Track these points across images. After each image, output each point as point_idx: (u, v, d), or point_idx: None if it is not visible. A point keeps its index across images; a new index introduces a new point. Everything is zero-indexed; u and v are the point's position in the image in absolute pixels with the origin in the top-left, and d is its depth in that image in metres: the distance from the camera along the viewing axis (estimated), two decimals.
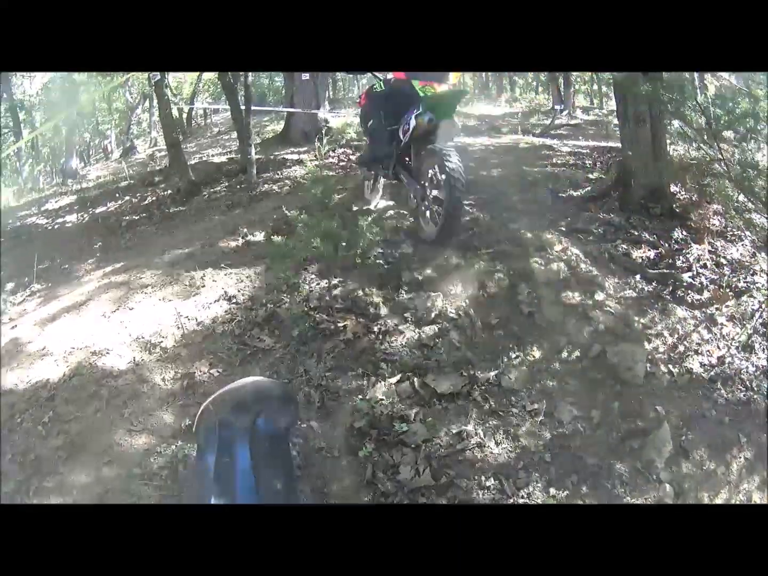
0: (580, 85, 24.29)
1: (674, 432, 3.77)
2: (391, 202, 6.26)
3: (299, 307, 4.64)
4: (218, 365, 4.20)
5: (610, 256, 5.35)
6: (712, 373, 4.23)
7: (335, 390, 4.00)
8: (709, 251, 5.46)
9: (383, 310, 4.58)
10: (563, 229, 5.75)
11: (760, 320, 4.63)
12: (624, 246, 5.56)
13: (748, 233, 5.61)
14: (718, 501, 3.52)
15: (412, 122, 5.26)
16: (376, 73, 5.76)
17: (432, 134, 5.18)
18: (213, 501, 2.22)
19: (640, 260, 5.39)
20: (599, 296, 4.75)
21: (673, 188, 6.28)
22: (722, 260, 5.36)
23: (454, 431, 3.71)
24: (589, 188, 6.95)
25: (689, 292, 4.96)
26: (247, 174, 8.85)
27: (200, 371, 4.14)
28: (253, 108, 9.39)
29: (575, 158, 8.77)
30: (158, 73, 9.09)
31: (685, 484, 3.54)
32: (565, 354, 4.27)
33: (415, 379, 4.02)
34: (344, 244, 4.36)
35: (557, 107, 17.10)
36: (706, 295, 4.94)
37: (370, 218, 4.45)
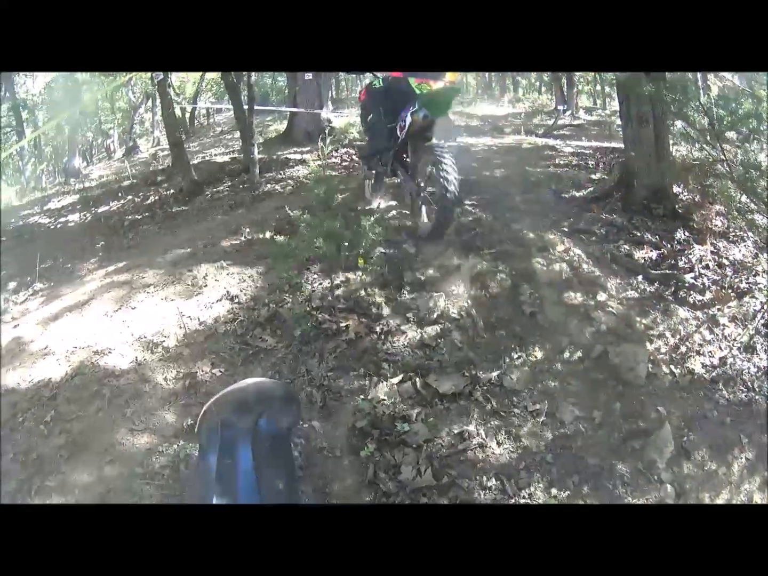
0: (583, 85, 24.31)
1: (676, 432, 3.77)
2: (393, 203, 6.27)
3: (301, 307, 4.64)
4: (220, 365, 4.20)
5: (613, 256, 5.36)
6: (713, 373, 4.23)
7: (337, 390, 4.00)
8: (712, 252, 5.46)
9: (385, 310, 4.59)
10: (566, 229, 5.75)
11: (762, 321, 4.62)
12: (626, 247, 5.57)
13: (750, 234, 5.61)
14: (719, 501, 3.52)
15: (408, 119, 5.41)
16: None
17: (428, 131, 5.35)
18: (215, 501, 2.23)
19: (643, 261, 5.40)
20: (601, 297, 4.75)
21: (675, 189, 6.28)
22: (724, 261, 5.36)
23: (455, 431, 3.71)
24: (591, 189, 6.95)
25: (691, 292, 4.97)
26: (250, 174, 8.85)
27: (202, 371, 4.15)
28: (256, 107, 9.39)
29: (578, 159, 8.78)
30: (161, 72, 9.10)
31: (686, 484, 3.54)
32: (567, 354, 4.27)
33: (417, 379, 4.02)
34: (347, 244, 4.36)
35: (560, 107, 17.09)
36: (708, 295, 4.94)
37: (372, 218, 4.45)
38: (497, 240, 5.34)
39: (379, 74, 5.94)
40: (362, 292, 4.75)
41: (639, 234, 5.76)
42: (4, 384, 4.11)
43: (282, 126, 14.50)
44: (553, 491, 3.40)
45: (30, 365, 4.28)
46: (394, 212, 6.01)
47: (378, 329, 4.42)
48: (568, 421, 3.83)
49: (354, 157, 9.25)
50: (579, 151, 9.47)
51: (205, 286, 5.09)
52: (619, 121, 8.17)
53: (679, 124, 5.85)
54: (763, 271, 5.15)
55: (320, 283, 4.93)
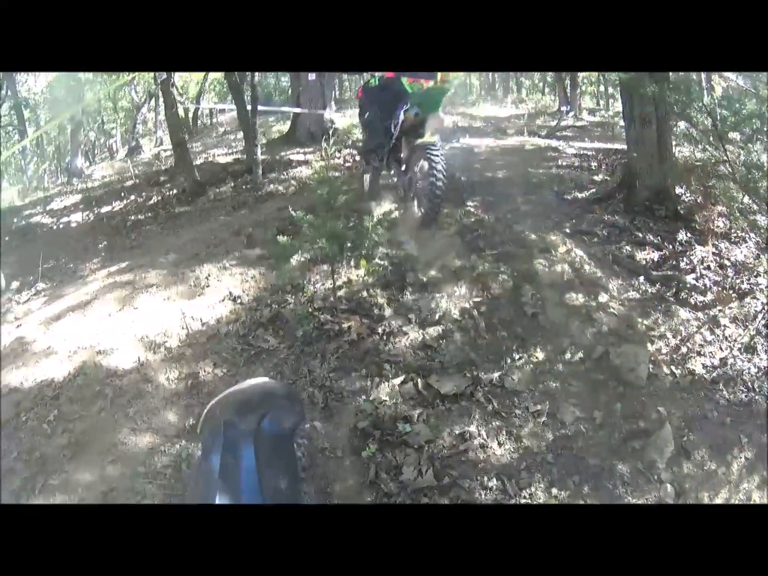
0: (586, 86, 24.26)
1: (676, 433, 3.78)
2: (395, 204, 6.28)
3: (304, 307, 4.66)
4: (222, 365, 4.22)
5: (614, 257, 5.37)
6: (714, 374, 4.24)
7: (339, 390, 4.01)
8: (713, 253, 5.48)
9: (387, 311, 4.60)
10: (567, 230, 5.76)
11: (763, 322, 4.63)
12: (628, 248, 5.58)
13: (752, 235, 5.62)
14: (718, 501, 3.52)
15: (401, 116, 5.75)
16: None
17: (421, 127, 5.63)
18: (217, 501, 2.23)
19: (644, 262, 5.41)
20: (603, 298, 4.76)
21: (678, 190, 6.29)
22: (726, 262, 5.37)
23: (457, 432, 3.72)
24: (593, 190, 6.97)
25: (693, 293, 4.98)
26: (253, 174, 8.88)
27: (204, 371, 4.16)
28: (259, 108, 9.42)
29: (580, 160, 8.78)
30: (164, 72, 9.11)
31: (686, 484, 3.55)
32: (568, 355, 4.28)
33: (419, 380, 4.04)
34: (350, 244, 4.37)
35: (563, 109, 17.05)
36: (709, 296, 4.95)
37: (375, 219, 4.47)
38: (499, 241, 5.35)
39: (376, 73, 6.13)
40: (364, 293, 4.77)
41: (641, 235, 5.78)
42: (8, 383, 4.13)
43: (285, 126, 14.50)
44: (554, 491, 3.42)
45: (33, 365, 4.30)
46: (396, 214, 6.02)
47: (380, 330, 4.43)
48: (569, 422, 3.84)
49: (357, 158, 9.26)
50: (581, 152, 9.48)
51: (208, 286, 5.11)
52: (622, 122, 8.17)
53: (682, 124, 5.86)
54: (765, 272, 5.16)
55: (322, 284, 4.94)
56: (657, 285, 5.07)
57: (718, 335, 4.58)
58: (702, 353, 4.40)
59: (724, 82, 9.87)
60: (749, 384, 4.20)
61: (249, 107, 9.36)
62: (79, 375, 4.15)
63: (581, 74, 19.70)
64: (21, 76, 20.05)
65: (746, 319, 4.71)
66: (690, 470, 3.64)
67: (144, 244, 7.62)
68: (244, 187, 9.07)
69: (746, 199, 5.18)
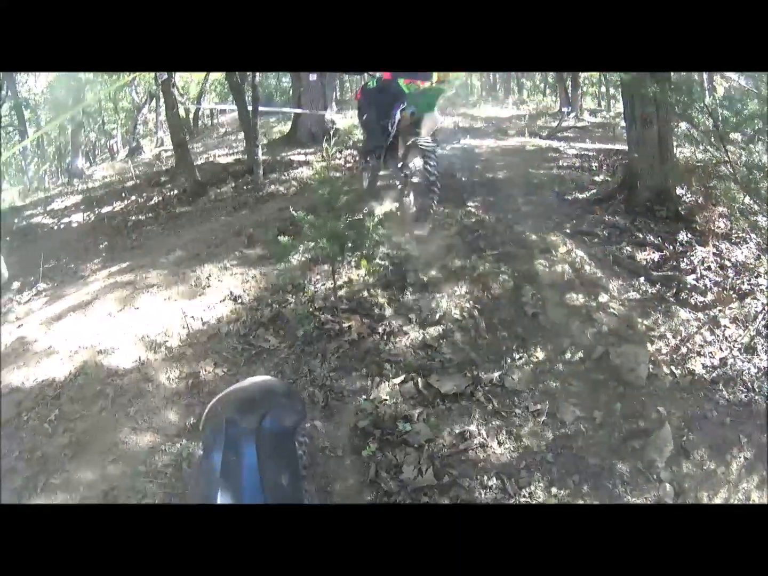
0: (588, 87, 24.22)
1: (675, 432, 3.79)
2: (396, 204, 6.29)
3: (304, 307, 4.67)
4: (223, 365, 4.23)
5: (615, 258, 5.37)
6: (714, 374, 4.25)
7: (339, 390, 4.02)
8: (714, 254, 5.48)
9: (388, 311, 4.61)
10: (568, 231, 5.77)
11: (763, 322, 4.63)
12: (628, 248, 5.59)
13: (753, 236, 5.62)
14: (717, 500, 3.53)
15: (398, 115, 5.84)
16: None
17: (417, 126, 5.77)
18: (219, 499, 2.23)
19: (645, 262, 5.41)
20: (603, 298, 4.76)
21: (678, 191, 6.29)
22: (726, 263, 5.38)
23: (457, 431, 3.74)
24: (594, 191, 6.97)
25: (693, 294, 4.99)
26: (254, 175, 8.88)
27: (205, 370, 4.17)
28: (260, 108, 9.41)
29: (581, 161, 8.78)
30: (165, 72, 9.11)
31: (685, 483, 3.56)
32: (568, 355, 4.29)
33: (419, 379, 4.05)
34: (350, 244, 4.38)
35: (564, 109, 17.02)
36: (709, 297, 4.96)
37: (376, 219, 4.48)
38: (500, 242, 5.36)
39: (375, 74, 6.26)
40: (365, 293, 4.78)
41: (641, 236, 5.78)
42: (9, 383, 4.15)
43: (286, 127, 14.49)
44: (554, 490, 3.43)
45: (34, 365, 4.31)
46: (398, 214, 6.05)
47: (380, 330, 4.44)
48: (568, 421, 3.85)
49: (357, 158, 9.26)
50: (582, 153, 9.47)
51: (209, 286, 5.11)
52: (623, 123, 8.17)
53: (683, 125, 5.86)
54: (765, 273, 5.16)
55: (323, 284, 4.95)
56: (657, 285, 5.07)
57: (718, 336, 4.58)
58: (702, 353, 4.41)
59: (726, 83, 9.87)
60: (749, 384, 4.21)
61: (250, 108, 9.35)
62: (80, 374, 4.16)
63: (582, 75, 19.67)
64: (21, 77, 20.03)
65: (746, 319, 4.72)
66: (689, 470, 3.64)
67: (145, 244, 7.62)
68: (245, 187, 9.07)
69: (747, 200, 5.18)
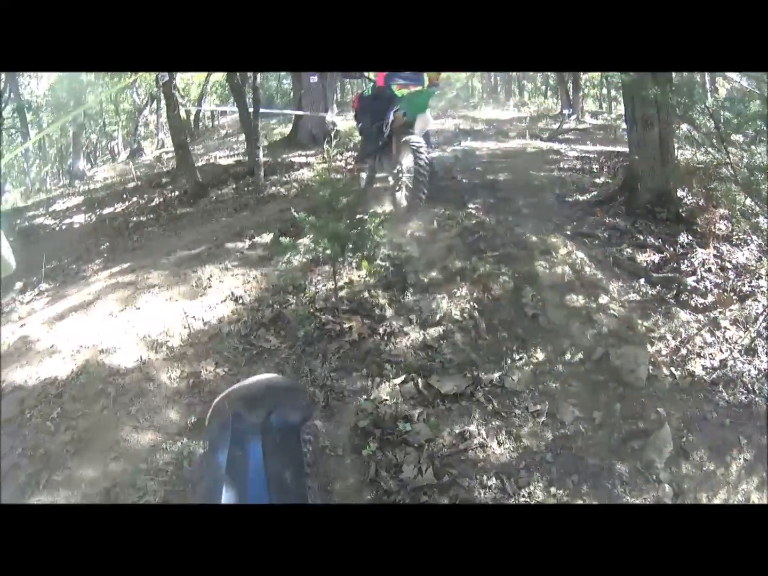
0: (589, 89, 24.22)
1: (675, 433, 3.79)
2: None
3: (305, 308, 4.68)
4: (224, 365, 4.24)
5: (615, 259, 5.38)
6: (714, 375, 4.25)
7: (340, 390, 4.03)
8: (714, 255, 5.48)
9: (389, 312, 4.62)
10: (568, 233, 5.77)
11: (764, 324, 4.64)
12: (629, 250, 5.59)
13: (754, 237, 5.62)
14: (717, 501, 3.53)
15: (391, 117, 6.31)
16: (369, 75, 6.77)
17: (410, 127, 5.96)
18: (224, 493, 2.24)
19: (645, 264, 5.42)
20: (603, 299, 4.77)
21: (679, 193, 6.30)
22: (727, 264, 5.38)
23: (457, 431, 3.74)
24: (595, 193, 6.98)
25: (693, 295, 4.99)
26: (255, 176, 8.89)
27: (206, 370, 4.18)
28: (261, 110, 9.42)
29: (582, 163, 8.78)
30: (166, 74, 9.12)
31: (684, 484, 3.56)
32: (568, 356, 4.30)
33: (419, 379, 4.06)
34: (351, 245, 4.39)
35: (566, 111, 16.99)
36: (710, 298, 4.96)
37: (377, 220, 4.49)
38: (500, 243, 5.37)
39: (371, 75, 6.75)
40: (366, 294, 4.79)
41: (642, 237, 5.78)
42: (12, 381, 4.16)
43: (287, 129, 14.51)
44: (553, 490, 3.43)
45: (37, 363, 4.32)
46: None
47: (381, 330, 4.45)
48: (568, 422, 3.86)
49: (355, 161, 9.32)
50: (583, 155, 9.47)
51: (210, 287, 5.13)
52: (624, 125, 8.18)
53: (684, 127, 5.87)
54: (766, 275, 5.17)
55: (324, 285, 4.96)
56: (658, 287, 5.08)
57: (718, 337, 4.59)
58: (702, 355, 4.41)
59: (728, 84, 9.88)
60: (749, 386, 4.21)
61: (251, 109, 9.37)
62: (82, 373, 4.17)
63: (584, 77, 19.69)
64: (23, 79, 20.08)
65: (747, 321, 4.72)
66: (689, 471, 3.65)
67: (146, 245, 7.64)
68: (245, 188, 9.09)
69: (748, 202, 5.19)
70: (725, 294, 4.99)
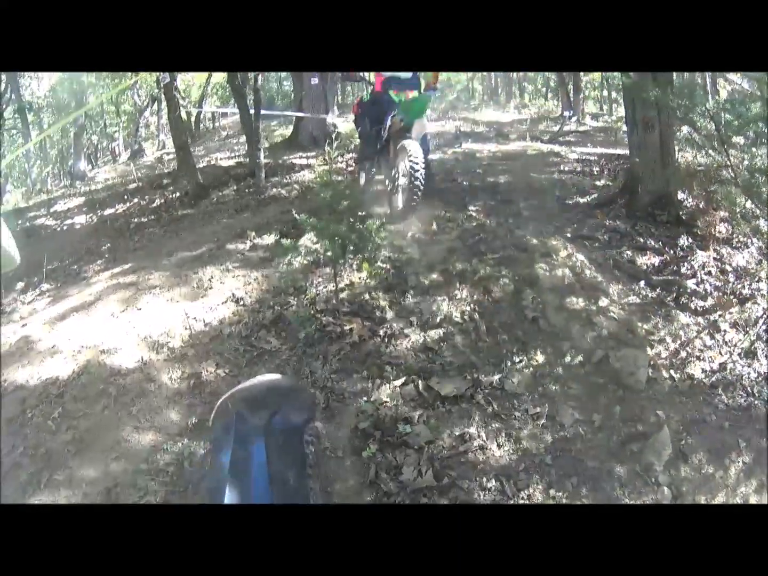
0: (589, 91, 24.24)
1: (674, 436, 3.79)
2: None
3: (306, 309, 4.69)
4: (225, 366, 4.24)
5: (615, 262, 5.39)
6: (713, 378, 4.25)
7: (340, 392, 4.03)
8: (714, 258, 5.48)
9: (389, 314, 4.62)
10: (569, 235, 5.78)
11: (764, 327, 4.64)
12: (629, 253, 5.60)
13: (754, 240, 5.62)
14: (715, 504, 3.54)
15: (389, 121, 6.48)
16: (369, 78, 7.12)
17: (408, 131, 6.12)
18: (227, 493, 2.25)
19: (645, 267, 5.42)
20: (603, 302, 4.78)
21: (680, 195, 6.30)
22: (727, 267, 5.38)
23: (456, 433, 3.74)
24: (595, 195, 7.00)
25: (693, 298, 4.99)
26: (256, 178, 8.89)
27: (207, 371, 4.19)
28: (262, 112, 9.42)
29: (583, 165, 8.81)
30: (167, 75, 9.13)
31: (683, 487, 3.56)
32: (568, 359, 4.30)
33: (420, 381, 4.06)
34: (352, 247, 4.40)
35: (566, 113, 17.01)
36: (709, 301, 4.96)
37: (378, 222, 4.50)
38: (501, 245, 5.38)
39: (371, 78, 6.96)
40: (366, 296, 4.80)
41: (642, 240, 5.79)
42: (14, 381, 4.17)
43: (288, 131, 14.51)
44: (552, 492, 3.43)
45: (38, 363, 4.33)
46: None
47: (381, 332, 4.46)
48: (567, 424, 3.86)
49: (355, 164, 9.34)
50: (584, 157, 9.49)
51: (211, 288, 5.14)
52: (625, 127, 8.18)
53: (684, 129, 5.88)
54: (766, 277, 5.16)
55: (325, 286, 4.97)
56: (657, 290, 5.08)
57: (718, 340, 4.59)
58: (702, 358, 4.42)
59: (729, 86, 9.88)
60: (749, 389, 4.21)
61: (252, 111, 9.37)
62: (83, 374, 4.18)
63: (584, 79, 19.70)
64: (24, 80, 20.10)
65: (747, 324, 4.72)
66: (687, 473, 3.65)
67: (147, 246, 7.64)
68: (246, 190, 9.09)
69: (748, 204, 5.19)
70: (725, 297, 4.99)
